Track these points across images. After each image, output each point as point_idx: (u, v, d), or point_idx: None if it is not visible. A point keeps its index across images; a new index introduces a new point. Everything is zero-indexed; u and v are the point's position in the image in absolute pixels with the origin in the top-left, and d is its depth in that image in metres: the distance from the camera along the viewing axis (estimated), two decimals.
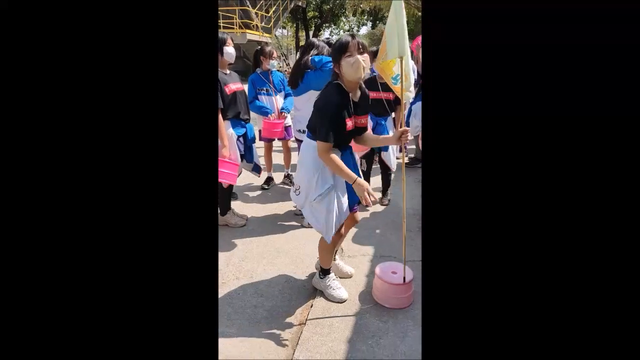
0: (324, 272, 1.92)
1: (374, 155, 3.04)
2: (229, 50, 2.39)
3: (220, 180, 2.33)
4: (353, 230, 2.64)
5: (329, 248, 1.83)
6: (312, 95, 2.41)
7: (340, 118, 1.58)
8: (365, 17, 21.44)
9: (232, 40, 2.47)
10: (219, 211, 2.66)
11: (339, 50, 1.57)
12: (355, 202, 1.81)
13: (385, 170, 3.09)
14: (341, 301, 1.85)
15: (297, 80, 2.44)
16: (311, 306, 1.84)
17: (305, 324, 1.72)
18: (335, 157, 1.60)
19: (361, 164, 3.02)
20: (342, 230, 1.85)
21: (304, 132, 2.47)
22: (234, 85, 2.50)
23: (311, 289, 1.99)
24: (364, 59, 1.57)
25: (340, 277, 2.04)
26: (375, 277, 1.88)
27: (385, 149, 2.90)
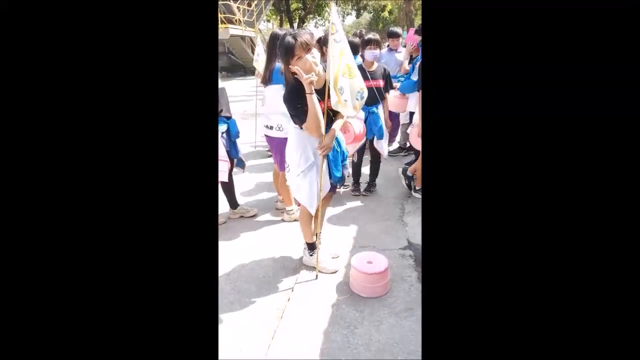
0: (310, 247, 2.06)
1: (365, 147, 3.02)
2: None
3: None
4: (333, 221, 2.64)
5: (307, 221, 1.97)
6: (275, 90, 2.37)
7: (300, 106, 1.70)
8: (350, 6, 21.26)
9: None
10: (230, 206, 2.77)
11: (286, 53, 1.63)
12: (336, 178, 1.93)
13: (376, 159, 3.06)
14: (334, 272, 2.03)
15: (267, 76, 2.40)
16: (288, 300, 1.84)
17: (282, 317, 1.72)
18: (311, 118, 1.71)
19: (353, 156, 3.02)
20: (320, 207, 1.99)
21: (270, 128, 2.44)
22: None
23: (290, 283, 1.99)
24: (313, 55, 1.64)
25: None
26: (351, 267, 1.89)
27: (380, 136, 2.89)
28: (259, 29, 16.04)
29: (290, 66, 1.64)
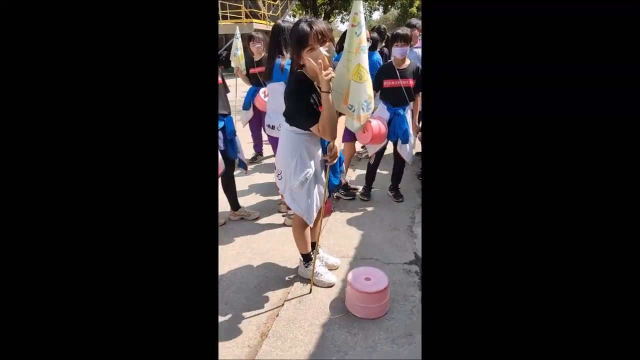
0: (306, 258, 1.91)
1: (384, 150, 2.82)
2: None
3: None
4: (335, 227, 2.48)
5: (301, 231, 1.81)
6: (276, 88, 2.22)
7: (309, 104, 1.49)
8: (377, 1, 20.80)
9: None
10: (230, 207, 2.67)
11: (299, 43, 1.43)
12: (332, 186, 1.78)
13: (399, 164, 2.85)
14: (330, 285, 1.87)
15: (267, 72, 2.25)
16: (277, 316, 1.70)
17: (267, 336, 1.58)
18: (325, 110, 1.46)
19: (371, 158, 2.85)
20: (315, 219, 1.85)
21: (272, 127, 2.30)
22: None
23: (281, 296, 1.85)
24: (326, 49, 1.44)
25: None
26: (347, 284, 1.72)
27: (405, 141, 2.68)
28: None
29: (302, 58, 1.44)
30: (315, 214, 1.72)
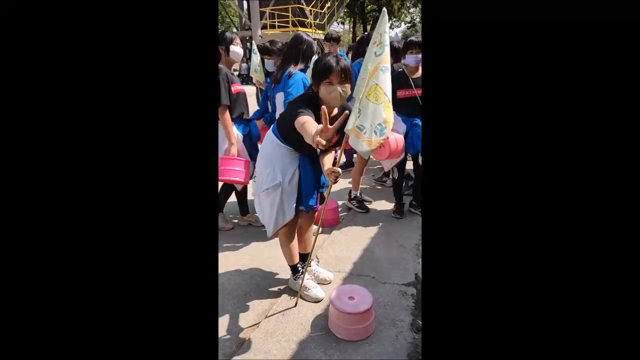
0: (293, 270, 1.90)
1: (405, 162, 2.72)
2: (236, 49, 2.38)
3: (231, 179, 2.30)
4: (336, 239, 2.41)
5: (286, 242, 1.81)
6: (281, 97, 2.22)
7: (303, 111, 1.45)
8: None
9: (240, 40, 2.46)
10: (240, 211, 2.72)
11: (320, 73, 1.47)
12: (308, 207, 1.74)
13: (421, 177, 2.74)
14: (317, 301, 1.82)
15: (278, 77, 2.26)
16: (257, 326, 1.68)
17: (242, 346, 1.57)
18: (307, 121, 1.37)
19: (392, 172, 2.76)
20: (303, 230, 1.87)
21: None
22: (238, 86, 2.45)
23: (267, 306, 1.83)
24: (343, 89, 1.45)
25: (318, 283, 1.94)
26: (330, 302, 1.66)
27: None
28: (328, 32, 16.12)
29: (319, 88, 1.47)
30: (275, 229, 1.69)
